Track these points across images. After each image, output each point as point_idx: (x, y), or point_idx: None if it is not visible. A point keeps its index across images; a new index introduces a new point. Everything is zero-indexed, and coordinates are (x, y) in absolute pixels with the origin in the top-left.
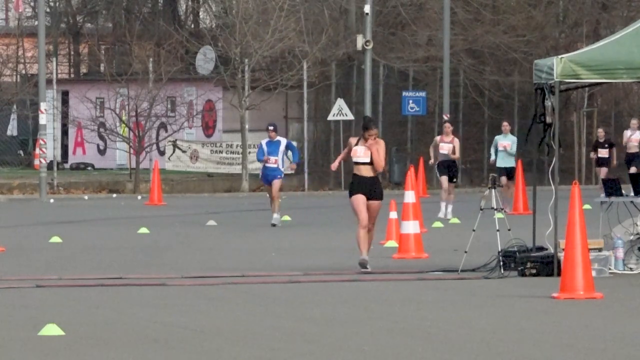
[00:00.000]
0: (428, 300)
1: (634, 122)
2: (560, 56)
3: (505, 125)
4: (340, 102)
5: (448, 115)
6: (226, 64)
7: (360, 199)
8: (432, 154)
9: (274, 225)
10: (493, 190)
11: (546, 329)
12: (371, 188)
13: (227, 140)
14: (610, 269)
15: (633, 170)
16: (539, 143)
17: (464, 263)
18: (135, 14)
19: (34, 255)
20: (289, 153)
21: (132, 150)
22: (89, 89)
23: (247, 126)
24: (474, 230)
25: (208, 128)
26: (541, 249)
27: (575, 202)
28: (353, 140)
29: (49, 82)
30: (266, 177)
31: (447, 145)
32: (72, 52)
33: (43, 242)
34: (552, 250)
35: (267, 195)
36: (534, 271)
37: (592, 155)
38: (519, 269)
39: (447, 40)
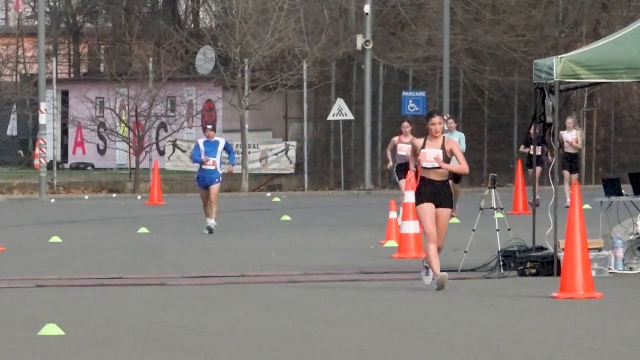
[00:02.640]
0: (428, 300)
1: (569, 121)
2: (560, 56)
3: (451, 122)
4: (340, 102)
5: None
6: (226, 64)
7: (427, 209)
8: (389, 157)
9: (210, 230)
10: (493, 190)
11: (546, 329)
12: (441, 194)
13: (227, 140)
14: (610, 269)
15: (567, 174)
16: (539, 143)
17: (464, 263)
18: (135, 14)
19: (34, 255)
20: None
21: (132, 150)
22: (89, 89)
23: (247, 126)
24: (474, 230)
25: None
26: (541, 249)
27: (575, 202)
28: (419, 142)
29: (49, 82)
30: (203, 180)
31: (407, 146)
32: (72, 52)
33: (43, 242)
34: (552, 250)
35: (202, 199)
36: (534, 271)
37: (523, 149)
38: (519, 269)
39: (447, 40)
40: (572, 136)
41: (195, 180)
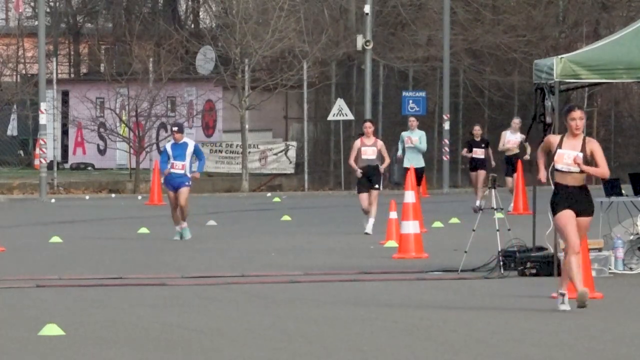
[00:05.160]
0: (428, 300)
1: (515, 121)
2: (560, 56)
3: (412, 120)
4: (340, 102)
5: (448, 115)
6: (226, 64)
7: (568, 216)
8: (354, 165)
9: (181, 238)
10: (493, 190)
11: (546, 329)
12: (580, 200)
13: (227, 140)
14: (610, 269)
15: (509, 180)
16: (539, 143)
17: (464, 263)
18: (135, 14)
19: (34, 255)
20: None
21: (132, 150)
22: (89, 89)
23: (247, 126)
24: (473, 230)
25: (208, 128)
26: (541, 249)
27: None
28: (554, 139)
29: (49, 82)
30: (171, 183)
31: (371, 149)
32: (72, 52)
33: (43, 242)
34: (552, 250)
35: (170, 203)
36: (534, 271)
37: (466, 153)
38: (519, 269)
39: (447, 40)
40: (514, 138)
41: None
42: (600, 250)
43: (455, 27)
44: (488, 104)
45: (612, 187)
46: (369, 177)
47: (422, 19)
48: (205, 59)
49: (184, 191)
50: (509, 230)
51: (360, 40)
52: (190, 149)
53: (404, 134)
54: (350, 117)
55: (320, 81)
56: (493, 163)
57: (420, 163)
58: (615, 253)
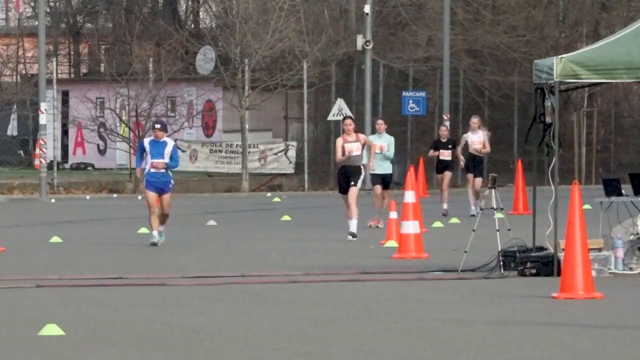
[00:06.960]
0: (428, 300)
1: (474, 120)
2: (560, 56)
3: (380, 123)
4: (340, 102)
5: (448, 115)
6: (226, 64)
7: None
8: (343, 158)
9: (154, 244)
10: (493, 190)
11: (546, 329)
12: None
13: (227, 140)
14: (610, 269)
15: (471, 178)
16: (539, 143)
17: (464, 263)
18: (135, 14)
19: (34, 255)
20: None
21: (132, 150)
22: (89, 89)
23: (247, 126)
24: (474, 230)
25: (208, 128)
26: (541, 249)
27: (575, 202)
28: None
29: (49, 82)
30: (154, 185)
31: (355, 145)
32: (72, 52)
33: (43, 242)
34: (552, 250)
35: (149, 205)
36: (534, 271)
37: (432, 154)
38: (519, 269)
39: (447, 40)
40: (477, 137)
41: (145, 183)
42: (600, 250)
43: (455, 27)
44: (488, 104)
45: (612, 187)
46: (348, 177)
47: (422, 19)
48: (205, 59)
49: (167, 198)
50: (509, 230)
51: (360, 40)
52: (169, 149)
53: (372, 138)
54: None
55: (320, 81)
56: (462, 164)
57: (387, 170)
58: (615, 253)
